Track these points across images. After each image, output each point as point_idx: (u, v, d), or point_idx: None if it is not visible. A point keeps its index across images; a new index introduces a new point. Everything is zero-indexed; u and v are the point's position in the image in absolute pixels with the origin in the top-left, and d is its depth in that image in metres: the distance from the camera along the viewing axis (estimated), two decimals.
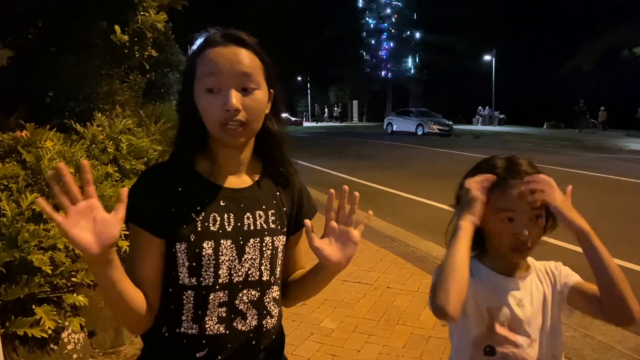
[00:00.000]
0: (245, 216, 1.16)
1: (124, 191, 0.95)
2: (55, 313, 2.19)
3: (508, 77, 35.81)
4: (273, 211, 1.21)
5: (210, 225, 1.12)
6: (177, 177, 1.13)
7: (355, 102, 47.96)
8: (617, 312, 1.13)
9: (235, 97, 1.07)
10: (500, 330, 1.21)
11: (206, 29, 1.15)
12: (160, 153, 3.11)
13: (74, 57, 3.89)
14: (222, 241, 1.12)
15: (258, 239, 1.16)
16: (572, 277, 1.27)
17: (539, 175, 1.18)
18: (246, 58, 1.10)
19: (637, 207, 7.86)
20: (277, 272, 1.22)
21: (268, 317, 1.19)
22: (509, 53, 37.26)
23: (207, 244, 1.10)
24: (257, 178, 1.23)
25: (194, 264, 1.10)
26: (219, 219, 1.13)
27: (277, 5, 40.57)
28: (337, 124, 43.82)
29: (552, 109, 33.44)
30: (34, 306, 2.16)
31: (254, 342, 1.17)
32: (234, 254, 1.13)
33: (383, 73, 45.89)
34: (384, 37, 46.01)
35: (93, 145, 3.19)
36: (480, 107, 36.45)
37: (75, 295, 2.35)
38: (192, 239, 1.10)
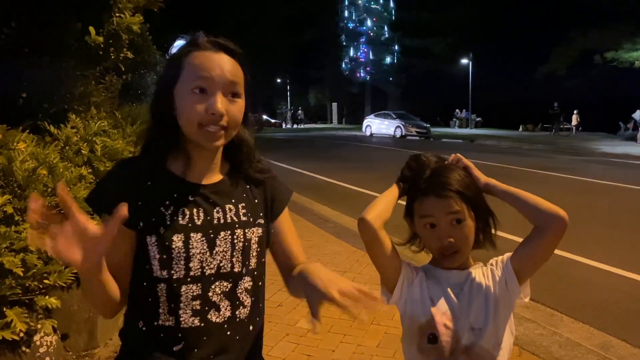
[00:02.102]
0: (215, 210, 1.19)
1: (123, 210, 0.94)
2: (26, 315, 2.17)
3: (484, 81, 36.33)
4: (244, 204, 1.24)
5: (179, 219, 1.14)
6: (146, 172, 1.16)
7: (334, 105, 48.06)
8: (548, 220, 1.25)
9: (221, 102, 1.10)
10: (439, 318, 1.27)
11: (190, 33, 1.18)
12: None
13: (48, 58, 3.84)
14: (192, 234, 1.14)
15: (229, 232, 1.19)
16: (506, 256, 1.34)
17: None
18: (234, 67, 1.14)
19: (608, 208, 8.06)
20: (251, 264, 1.24)
21: (241, 307, 1.22)
22: (486, 57, 37.79)
23: (177, 237, 1.13)
24: (225, 173, 1.26)
25: (164, 256, 1.12)
26: (188, 212, 1.16)
27: (256, 7, 40.44)
28: (297, 126, 43.40)
29: (527, 112, 34.03)
30: (5, 309, 2.14)
31: (228, 333, 1.19)
32: (204, 247, 1.15)
33: (362, 76, 46.10)
34: (363, 40, 46.24)
35: (67, 147, 3.16)
36: (457, 110, 36.88)
37: (47, 297, 2.34)
38: (162, 232, 1.13)
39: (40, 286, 2.30)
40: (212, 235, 1.16)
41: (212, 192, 1.20)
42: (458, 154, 1.38)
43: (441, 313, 1.27)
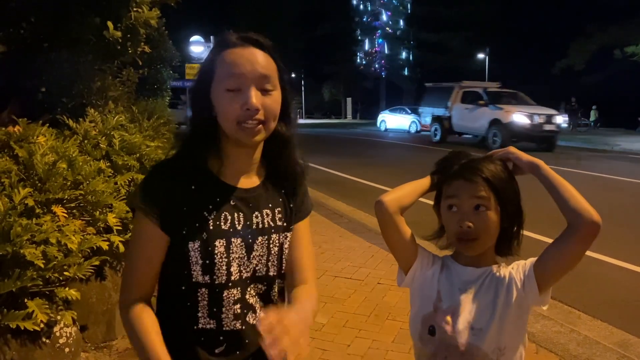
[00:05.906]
0: (254, 215, 1.21)
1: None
2: (47, 307, 2.20)
3: (501, 76, 35.87)
4: (279, 209, 1.26)
5: (222, 224, 1.16)
6: (190, 175, 1.16)
7: (349, 100, 47.95)
8: (580, 221, 1.19)
9: (255, 97, 1.10)
10: (442, 312, 1.26)
11: (225, 32, 1.18)
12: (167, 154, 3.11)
13: (66, 52, 3.89)
14: (232, 239, 1.16)
15: (266, 237, 1.21)
16: (529, 260, 1.29)
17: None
18: (264, 60, 1.14)
19: (627, 205, 7.94)
20: (282, 267, 1.26)
21: None
22: (502, 52, 37.40)
23: (219, 243, 1.14)
24: (263, 177, 1.26)
25: (207, 261, 1.13)
26: (229, 217, 1.17)
27: (270, 2, 40.45)
28: None
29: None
30: (26, 300, 2.18)
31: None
32: (243, 252, 1.17)
33: (377, 70, 45.92)
34: (378, 34, 46.04)
35: (85, 141, 3.20)
36: None
37: (67, 289, 2.37)
38: (205, 238, 1.14)
39: (61, 278, 2.33)
40: (250, 240, 1.19)
41: (252, 196, 1.22)
42: (495, 150, 1.36)
43: (444, 308, 1.26)
